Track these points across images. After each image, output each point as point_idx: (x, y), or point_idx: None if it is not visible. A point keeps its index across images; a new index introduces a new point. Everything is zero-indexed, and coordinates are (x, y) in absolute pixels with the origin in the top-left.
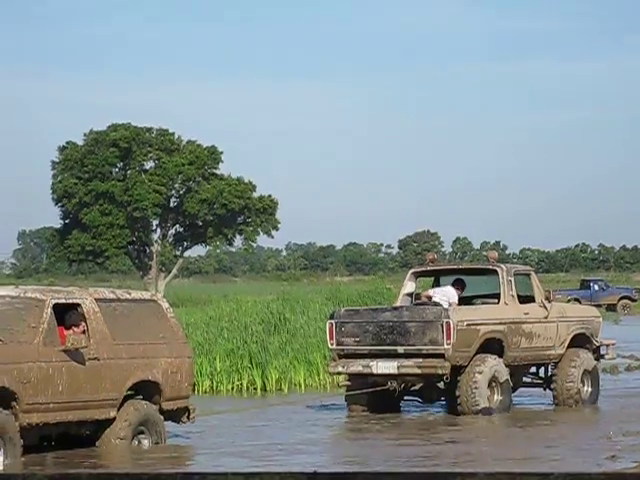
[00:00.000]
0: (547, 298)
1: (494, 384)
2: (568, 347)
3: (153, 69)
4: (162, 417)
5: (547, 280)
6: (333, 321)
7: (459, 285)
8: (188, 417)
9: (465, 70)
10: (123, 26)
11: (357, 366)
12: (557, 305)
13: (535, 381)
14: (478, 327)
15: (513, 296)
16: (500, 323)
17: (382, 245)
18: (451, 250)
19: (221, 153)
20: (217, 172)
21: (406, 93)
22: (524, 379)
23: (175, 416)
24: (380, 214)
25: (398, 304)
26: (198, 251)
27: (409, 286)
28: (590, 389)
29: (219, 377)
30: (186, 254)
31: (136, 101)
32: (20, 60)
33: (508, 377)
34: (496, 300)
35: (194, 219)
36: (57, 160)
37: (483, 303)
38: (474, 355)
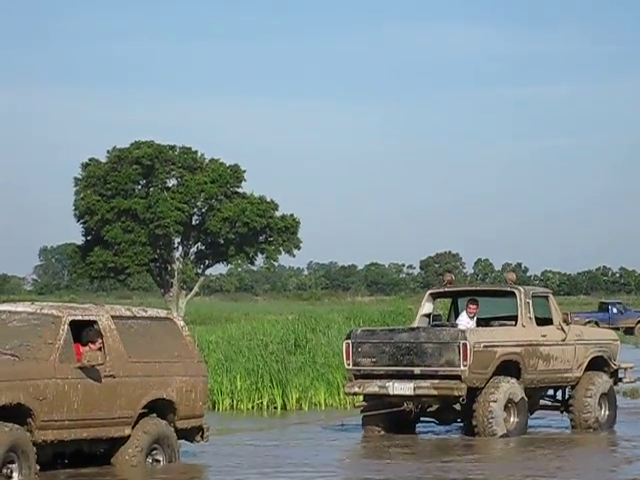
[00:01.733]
0: (565, 320)
1: (510, 405)
2: (586, 370)
3: (177, 87)
4: (176, 435)
5: (568, 303)
6: (350, 341)
7: (473, 304)
8: (202, 436)
9: (479, 93)
10: (147, 44)
11: (373, 387)
12: (575, 328)
13: (552, 404)
14: (495, 349)
15: (531, 318)
16: (517, 345)
17: (404, 265)
18: (472, 271)
19: (244, 172)
20: (239, 190)
21: (424, 115)
22: (541, 402)
23: (189, 435)
24: (402, 235)
25: (415, 325)
26: (219, 269)
27: (427, 307)
28: (607, 412)
29: (239, 395)
30: (207, 272)
31: (159, 119)
32: (43, 77)
33: (524, 397)
34: (514, 322)
35: (216, 237)
36: (80, 177)
37: (501, 325)
38: (491, 377)
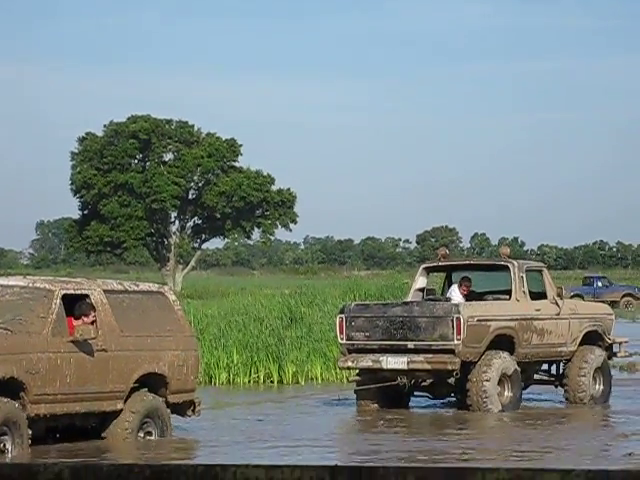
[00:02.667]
0: (559, 295)
1: (504, 379)
2: (580, 344)
3: (173, 62)
4: (168, 410)
5: (564, 277)
6: (343, 315)
7: (466, 283)
8: (194, 410)
9: (477, 67)
10: (143, 19)
11: (367, 361)
12: (569, 302)
13: (546, 378)
14: (489, 323)
15: (524, 292)
16: (511, 319)
17: (400, 240)
18: (469, 246)
19: (240, 146)
20: (236, 165)
21: (423, 89)
22: (536, 376)
23: (181, 409)
24: (398, 209)
25: (409, 299)
26: (216, 243)
27: (420, 281)
28: (602, 387)
29: (236, 370)
30: (204, 246)
31: (156, 93)
32: (39, 52)
33: (518, 371)
34: (508, 296)
35: (212, 211)
36: (76, 151)
37: (495, 299)
38: (484, 351)
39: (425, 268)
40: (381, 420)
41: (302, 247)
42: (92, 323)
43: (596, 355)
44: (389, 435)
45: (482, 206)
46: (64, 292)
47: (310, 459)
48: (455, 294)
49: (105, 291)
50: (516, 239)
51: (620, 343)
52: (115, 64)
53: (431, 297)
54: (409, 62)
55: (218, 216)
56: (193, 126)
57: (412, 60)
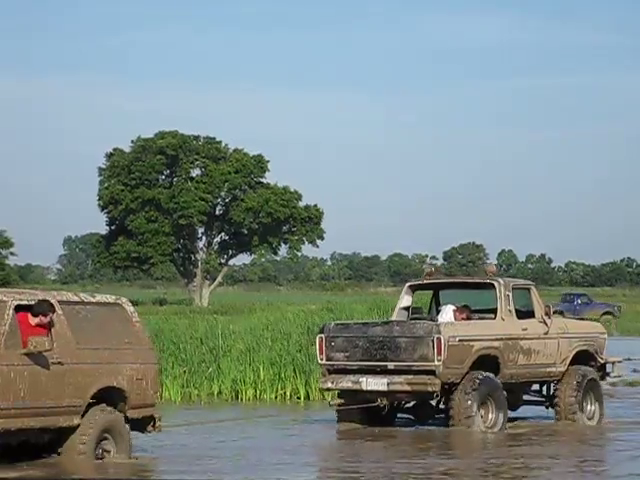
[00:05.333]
0: (547, 313)
1: (488, 401)
2: (571, 364)
3: (202, 77)
4: (128, 425)
5: (592, 294)
6: (323, 335)
7: (466, 311)
8: (154, 426)
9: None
10: (173, 35)
11: (347, 382)
12: (559, 321)
13: (537, 399)
14: (471, 343)
15: (510, 311)
16: (495, 339)
17: (427, 256)
18: (496, 262)
19: (267, 162)
20: (263, 181)
21: (454, 107)
22: (526, 397)
23: (140, 425)
24: (426, 225)
25: (394, 318)
26: (243, 259)
27: (405, 300)
28: (593, 408)
29: (263, 386)
30: (231, 262)
31: (184, 109)
32: (67, 67)
33: (502, 392)
34: (494, 315)
35: (239, 227)
36: (104, 167)
37: (480, 318)
38: (467, 372)
39: (410, 286)
40: (362, 439)
41: (329, 263)
42: (49, 324)
43: (587, 375)
44: (371, 453)
45: (509, 223)
46: (17, 303)
47: None
48: (447, 315)
49: (60, 302)
50: (543, 256)
51: (613, 363)
52: (143, 79)
53: (416, 316)
54: (431, 77)
55: (245, 232)
56: (220, 142)
57: (433, 75)
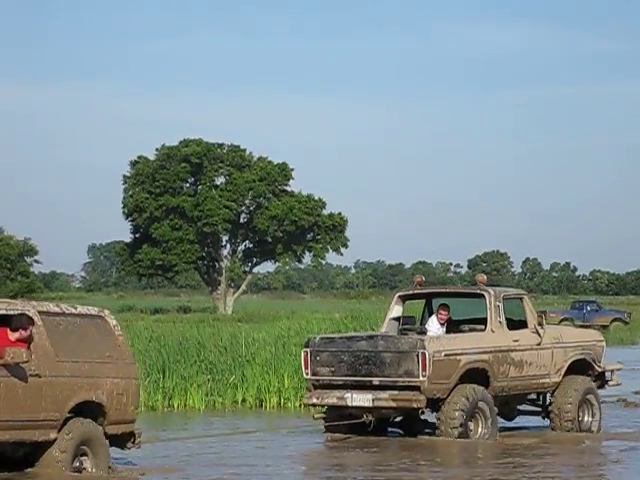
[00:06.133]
0: (540, 323)
1: (477, 415)
2: (569, 373)
3: (226, 86)
4: (106, 440)
5: (617, 303)
6: (308, 350)
7: (442, 311)
8: (134, 442)
9: (547, 92)
10: (197, 43)
11: (332, 397)
12: (554, 330)
13: (533, 408)
14: (458, 357)
15: (501, 322)
16: (484, 352)
17: (451, 264)
18: (520, 270)
19: (292, 170)
20: (287, 189)
21: (472, 112)
22: (524, 406)
23: (120, 441)
24: (450, 233)
25: (384, 329)
26: (267, 267)
27: (395, 310)
28: (590, 418)
29: (287, 394)
30: (255, 270)
31: (208, 117)
32: (92, 75)
33: (493, 406)
34: (484, 325)
35: (264, 235)
36: (128, 174)
37: (471, 329)
38: (455, 386)
39: (400, 296)
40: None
41: (353, 271)
42: (29, 338)
43: (583, 385)
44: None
45: (534, 231)
46: None
47: None
48: (433, 324)
49: (40, 312)
50: (568, 264)
51: (612, 371)
52: (167, 87)
53: (406, 327)
54: (454, 86)
55: (269, 240)
56: (245, 150)
57: (456, 84)
